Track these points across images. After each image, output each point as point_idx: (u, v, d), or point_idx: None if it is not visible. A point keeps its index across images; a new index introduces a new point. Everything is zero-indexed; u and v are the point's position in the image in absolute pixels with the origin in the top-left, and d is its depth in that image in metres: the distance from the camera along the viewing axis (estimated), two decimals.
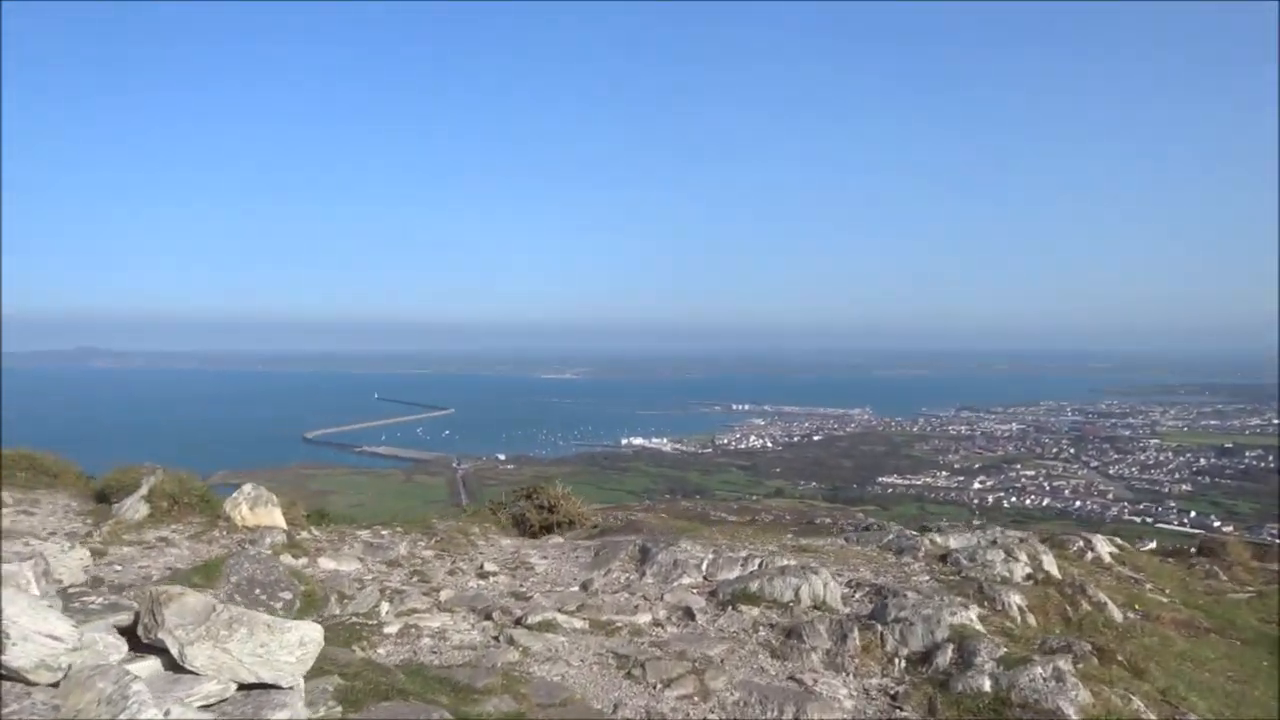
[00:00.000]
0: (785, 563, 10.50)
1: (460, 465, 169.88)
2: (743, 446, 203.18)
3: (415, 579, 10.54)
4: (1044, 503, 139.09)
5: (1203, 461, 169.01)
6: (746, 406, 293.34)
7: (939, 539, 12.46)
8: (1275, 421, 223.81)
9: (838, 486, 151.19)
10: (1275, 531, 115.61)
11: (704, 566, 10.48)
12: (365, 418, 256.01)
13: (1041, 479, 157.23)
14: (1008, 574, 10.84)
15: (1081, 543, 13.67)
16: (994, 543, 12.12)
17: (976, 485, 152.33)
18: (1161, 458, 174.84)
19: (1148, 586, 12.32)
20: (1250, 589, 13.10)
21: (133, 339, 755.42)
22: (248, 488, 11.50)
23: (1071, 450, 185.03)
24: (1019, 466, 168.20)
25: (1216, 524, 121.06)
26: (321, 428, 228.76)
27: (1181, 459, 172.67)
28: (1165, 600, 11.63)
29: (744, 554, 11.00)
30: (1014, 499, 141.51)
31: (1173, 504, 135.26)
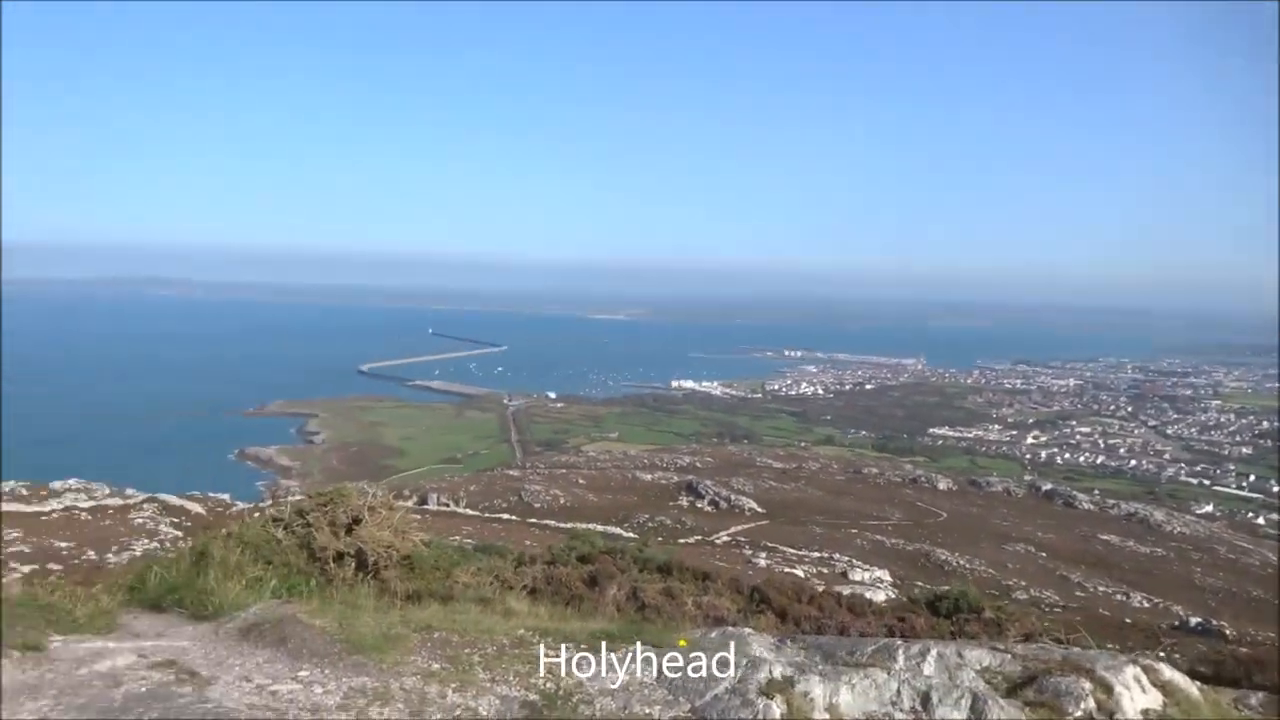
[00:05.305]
0: None
1: (511, 402, 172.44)
2: (793, 393, 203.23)
3: None
4: (1098, 460, 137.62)
5: (1265, 425, 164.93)
6: (798, 353, 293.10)
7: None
8: None
9: (888, 436, 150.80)
10: None
11: None
12: (419, 352, 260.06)
13: (1097, 436, 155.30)
14: None
15: (1093, 701, 5.77)
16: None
17: (1030, 440, 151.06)
18: (1222, 419, 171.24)
19: None
20: None
21: (194, 269, 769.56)
22: None
23: (1129, 408, 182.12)
24: (1074, 423, 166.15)
25: (1276, 489, 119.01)
26: (377, 360, 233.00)
27: (1243, 421, 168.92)
28: None
29: None
30: (1068, 455, 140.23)
31: (1231, 467, 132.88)
